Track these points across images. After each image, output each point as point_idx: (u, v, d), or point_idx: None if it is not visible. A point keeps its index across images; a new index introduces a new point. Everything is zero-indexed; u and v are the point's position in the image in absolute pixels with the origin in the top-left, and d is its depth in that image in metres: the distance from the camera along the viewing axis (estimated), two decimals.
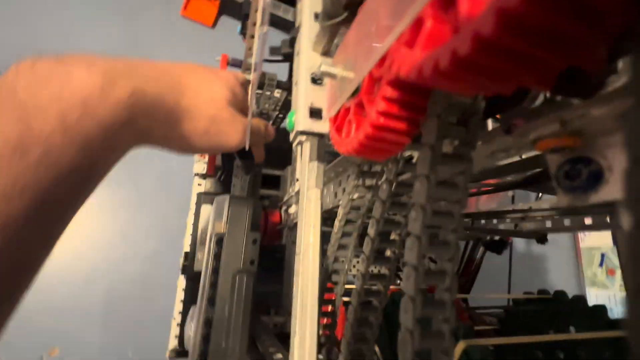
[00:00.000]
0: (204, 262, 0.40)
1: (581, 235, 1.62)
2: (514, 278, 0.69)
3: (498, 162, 0.19)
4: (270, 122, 0.68)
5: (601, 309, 0.40)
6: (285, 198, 0.54)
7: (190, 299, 0.59)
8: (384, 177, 0.22)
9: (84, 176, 0.20)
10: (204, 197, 0.57)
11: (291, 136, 0.25)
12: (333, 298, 0.30)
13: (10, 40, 1.03)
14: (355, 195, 0.29)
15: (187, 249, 0.62)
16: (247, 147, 0.29)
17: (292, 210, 0.50)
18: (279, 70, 0.59)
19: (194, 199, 0.66)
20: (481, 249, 0.65)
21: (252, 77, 0.32)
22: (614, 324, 0.38)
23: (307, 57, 0.24)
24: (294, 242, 0.33)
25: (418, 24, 0.11)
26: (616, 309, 1.27)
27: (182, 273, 0.62)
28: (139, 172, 1.07)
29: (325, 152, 0.26)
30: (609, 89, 0.11)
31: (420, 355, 0.15)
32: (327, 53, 0.24)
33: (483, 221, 0.53)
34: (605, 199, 0.13)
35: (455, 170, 0.15)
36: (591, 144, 0.13)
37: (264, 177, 0.59)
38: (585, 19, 0.08)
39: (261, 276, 0.46)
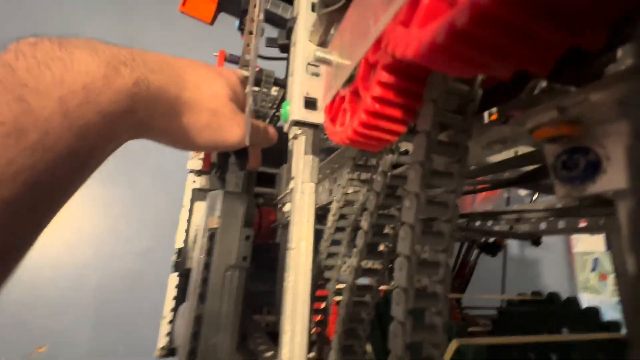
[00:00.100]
0: (195, 257, 0.40)
1: (574, 240, 1.63)
2: (507, 282, 0.70)
3: (494, 154, 0.18)
4: (267, 120, 0.67)
5: (594, 311, 0.40)
6: (280, 196, 0.54)
7: (182, 297, 0.58)
8: (379, 169, 0.21)
9: (80, 163, 0.20)
10: (199, 194, 0.56)
11: (285, 127, 0.25)
12: (325, 295, 0.30)
13: (5, 35, 1.01)
14: (350, 190, 0.28)
15: (179, 245, 0.61)
16: (247, 142, 0.29)
17: (286, 208, 0.49)
18: (279, 71, 0.58)
19: (188, 195, 0.65)
20: (475, 251, 0.65)
21: (251, 58, 0.31)
22: (607, 326, 0.38)
23: (304, 47, 0.24)
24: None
25: (414, 2, 0.11)
26: (608, 314, 1.28)
27: (175, 270, 0.61)
28: (133, 167, 1.06)
29: (321, 151, 0.26)
30: (609, 73, 0.11)
31: (412, 348, 0.14)
32: (323, 44, 0.24)
33: (478, 223, 0.53)
34: (603, 189, 0.12)
35: (451, 158, 0.14)
36: (589, 133, 0.12)
37: (260, 174, 0.58)
38: None
39: (254, 275, 0.46)
